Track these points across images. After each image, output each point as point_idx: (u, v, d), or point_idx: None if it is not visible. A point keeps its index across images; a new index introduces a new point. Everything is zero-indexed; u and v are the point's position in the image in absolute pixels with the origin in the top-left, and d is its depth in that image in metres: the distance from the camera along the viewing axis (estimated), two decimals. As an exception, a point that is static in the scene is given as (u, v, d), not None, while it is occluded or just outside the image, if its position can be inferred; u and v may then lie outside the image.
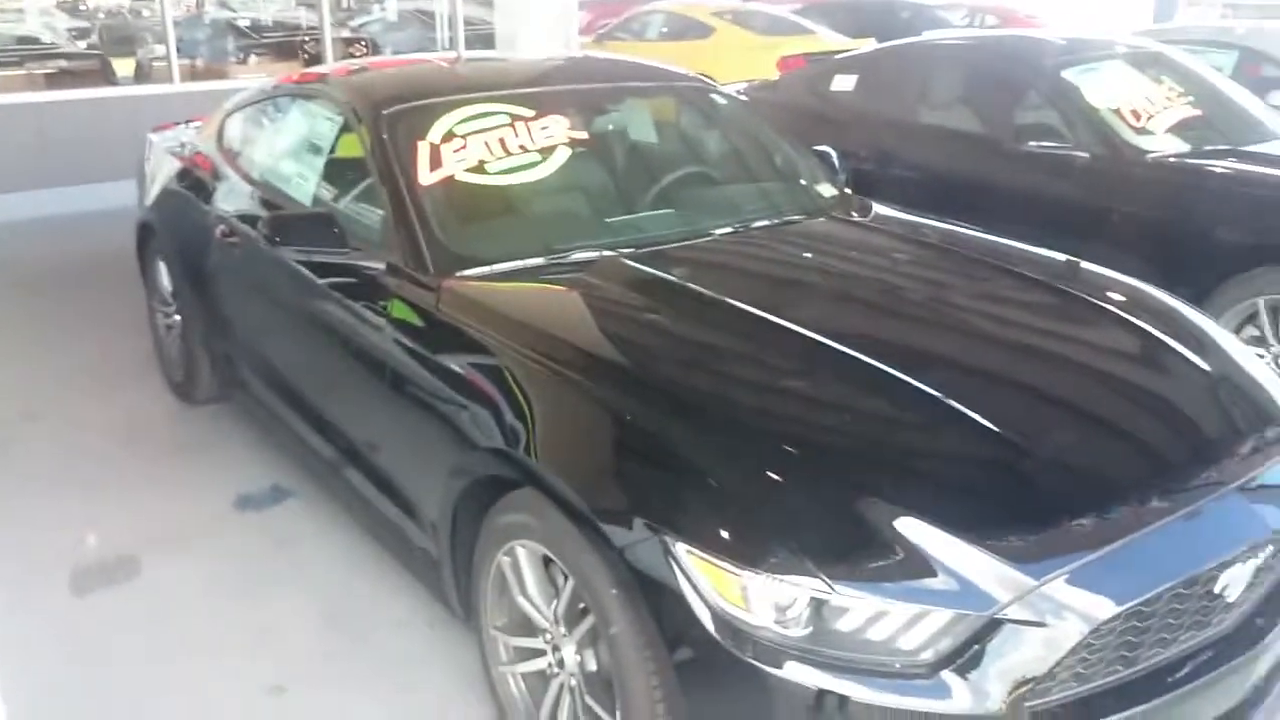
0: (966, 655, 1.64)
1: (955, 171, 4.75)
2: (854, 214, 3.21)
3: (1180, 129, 4.45)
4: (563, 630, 2.10)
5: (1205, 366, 2.32)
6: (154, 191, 4.26)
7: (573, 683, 2.10)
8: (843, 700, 1.65)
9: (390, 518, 2.72)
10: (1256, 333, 3.94)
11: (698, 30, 10.42)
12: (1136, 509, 1.81)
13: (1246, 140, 4.46)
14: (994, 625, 1.64)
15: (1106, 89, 4.57)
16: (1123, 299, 2.62)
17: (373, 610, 2.88)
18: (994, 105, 4.87)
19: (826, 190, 3.32)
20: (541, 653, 2.19)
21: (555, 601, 2.12)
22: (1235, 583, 1.86)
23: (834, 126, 5.15)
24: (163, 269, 4.18)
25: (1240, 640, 1.90)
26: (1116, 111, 4.43)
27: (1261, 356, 3.85)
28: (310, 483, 3.41)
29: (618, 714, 1.94)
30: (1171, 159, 4.27)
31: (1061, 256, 2.88)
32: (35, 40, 9.93)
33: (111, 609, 2.92)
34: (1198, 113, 4.56)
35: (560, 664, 2.13)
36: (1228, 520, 1.88)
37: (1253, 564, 1.90)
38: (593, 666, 2.05)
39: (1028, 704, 1.66)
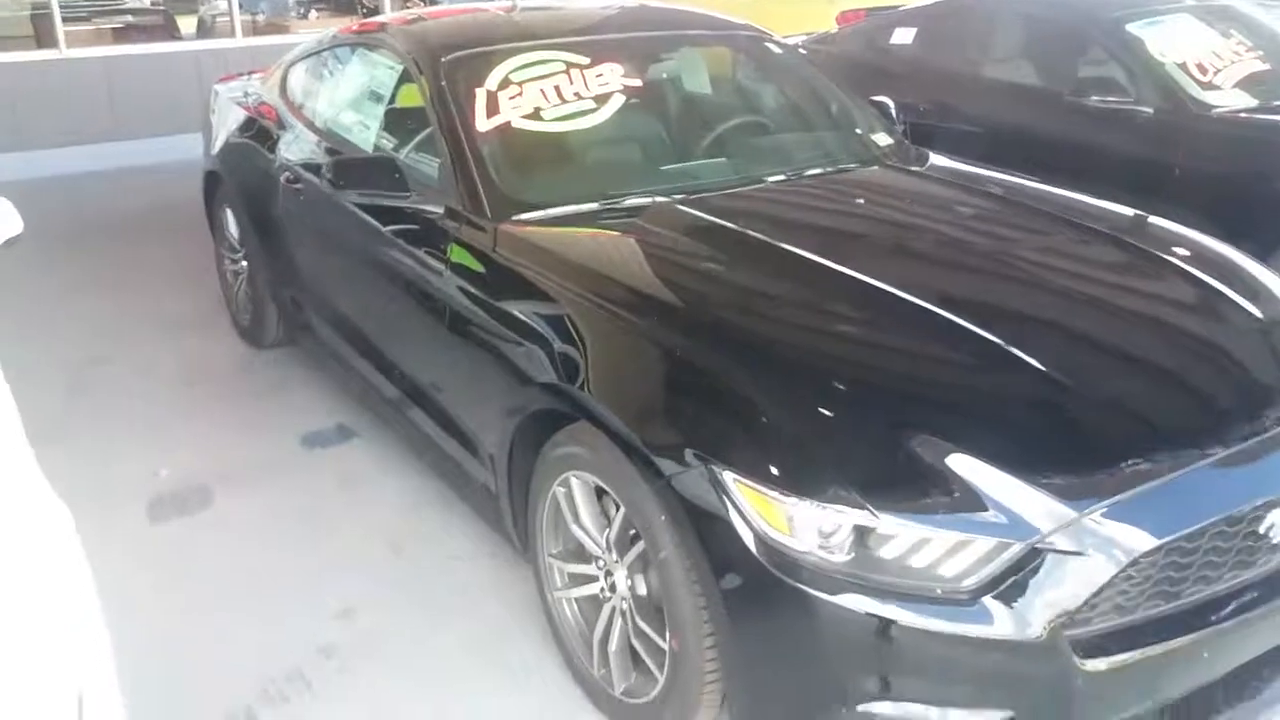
0: (1008, 583, 1.69)
1: (1015, 125, 4.71)
2: (909, 163, 3.21)
3: (1249, 84, 4.36)
4: (614, 556, 2.19)
5: (1259, 315, 2.32)
6: (220, 141, 4.38)
7: (624, 606, 2.19)
8: (884, 624, 1.71)
9: (451, 454, 2.82)
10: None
11: (755, -16, 10.29)
12: (1179, 449, 1.84)
13: (1316, 94, 4.36)
14: (1035, 554, 1.69)
15: (1172, 43, 4.49)
16: (1180, 249, 2.61)
17: (434, 542, 3.00)
18: (1055, 59, 4.82)
19: (882, 139, 3.33)
20: (594, 578, 2.27)
21: (607, 530, 2.20)
22: (1280, 524, 1.88)
23: (892, 79, 5.11)
24: (230, 216, 4.31)
25: (1284, 581, 1.92)
26: (1182, 66, 4.36)
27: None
28: (374, 423, 3.54)
29: (668, 635, 2.02)
30: (1239, 114, 4.20)
31: (1111, 206, 2.88)
32: (102, -4, 10.16)
33: (187, 536, 3.07)
34: (1267, 67, 4.46)
35: (612, 589, 2.22)
36: (1272, 463, 1.89)
37: (1299, 506, 1.91)
38: (643, 591, 2.13)
39: (1068, 632, 1.70)
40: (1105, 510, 1.71)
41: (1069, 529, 1.69)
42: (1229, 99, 4.26)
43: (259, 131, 4.06)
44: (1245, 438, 1.90)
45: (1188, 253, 2.60)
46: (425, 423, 2.95)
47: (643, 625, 2.14)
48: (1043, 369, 1.98)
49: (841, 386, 1.97)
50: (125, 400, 3.93)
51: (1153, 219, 2.84)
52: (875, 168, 3.14)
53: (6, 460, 1.57)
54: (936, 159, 3.26)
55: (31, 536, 1.36)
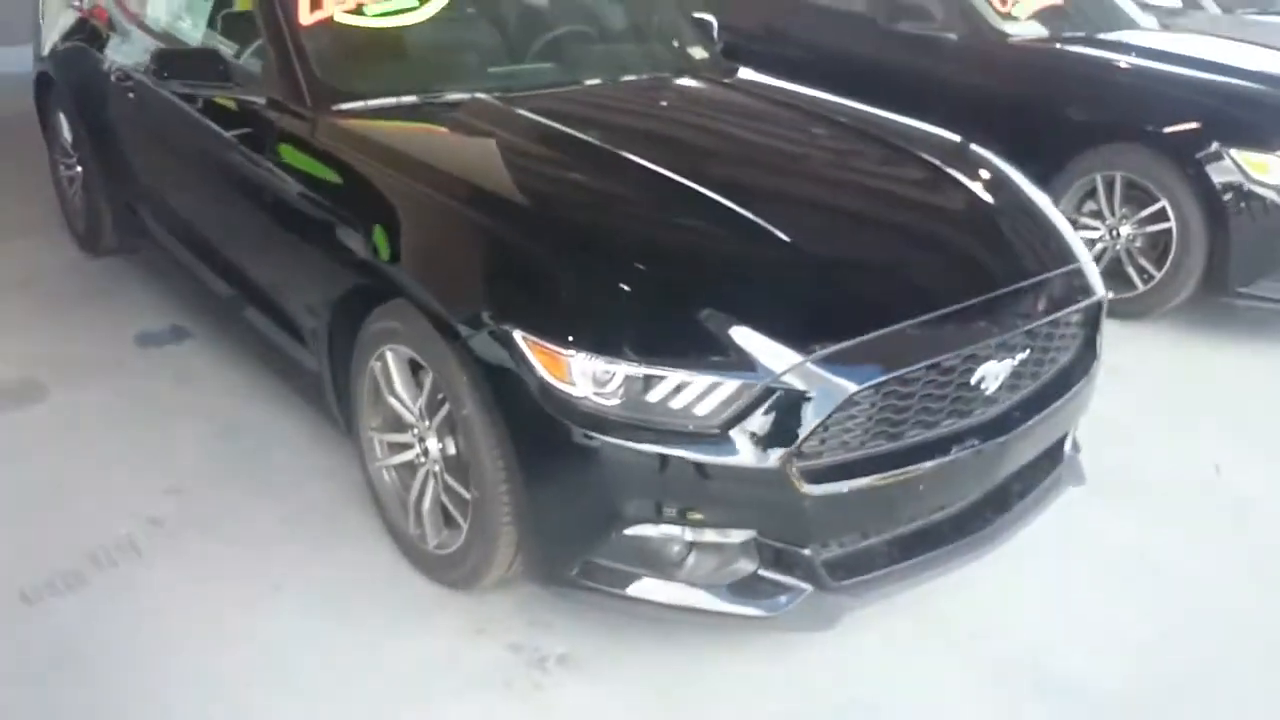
0: (749, 419, 1.97)
1: (835, 49, 5.01)
2: (718, 75, 3.45)
3: (1043, 15, 4.76)
4: (426, 422, 2.39)
5: (991, 203, 2.67)
6: (50, 41, 4.30)
7: (436, 468, 2.40)
8: (648, 457, 1.98)
9: (281, 346, 2.96)
10: (1095, 206, 4.32)
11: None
12: (895, 308, 2.14)
13: (1103, 28, 4.79)
14: (769, 393, 1.97)
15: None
16: (937, 151, 2.90)
17: (264, 429, 3.15)
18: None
19: (698, 53, 3.56)
20: (410, 445, 2.48)
21: (420, 398, 2.40)
22: (991, 378, 2.20)
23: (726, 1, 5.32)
24: (63, 120, 4.25)
25: (998, 428, 2.26)
26: (981, -5, 4.72)
27: (1096, 229, 4.24)
28: (209, 323, 3.63)
29: (471, 486, 2.25)
30: (1031, 43, 4.59)
31: (891, 116, 3.16)
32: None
33: (22, 425, 3.15)
34: (1061, 2, 4.87)
35: (426, 454, 2.42)
36: (977, 320, 2.22)
37: (1008, 364, 2.24)
38: (452, 452, 2.35)
39: (802, 463, 2.00)
40: (827, 356, 2.00)
41: (796, 370, 1.97)
42: (1024, 29, 4.65)
43: (91, 33, 4.01)
44: (952, 301, 2.21)
45: (942, 153, 2.90)
46: (257, 318, 3.06)
47: (451, 482, 2.35)
48: (790, 243, 2.26)
49: (617, 257, 2.21)
50: (-46, 303, 3.90)
51: (923, 126, 3.14)
52: (686, 78, 3.37)
53: None
54: (745, 73, 3.51)
55: None
